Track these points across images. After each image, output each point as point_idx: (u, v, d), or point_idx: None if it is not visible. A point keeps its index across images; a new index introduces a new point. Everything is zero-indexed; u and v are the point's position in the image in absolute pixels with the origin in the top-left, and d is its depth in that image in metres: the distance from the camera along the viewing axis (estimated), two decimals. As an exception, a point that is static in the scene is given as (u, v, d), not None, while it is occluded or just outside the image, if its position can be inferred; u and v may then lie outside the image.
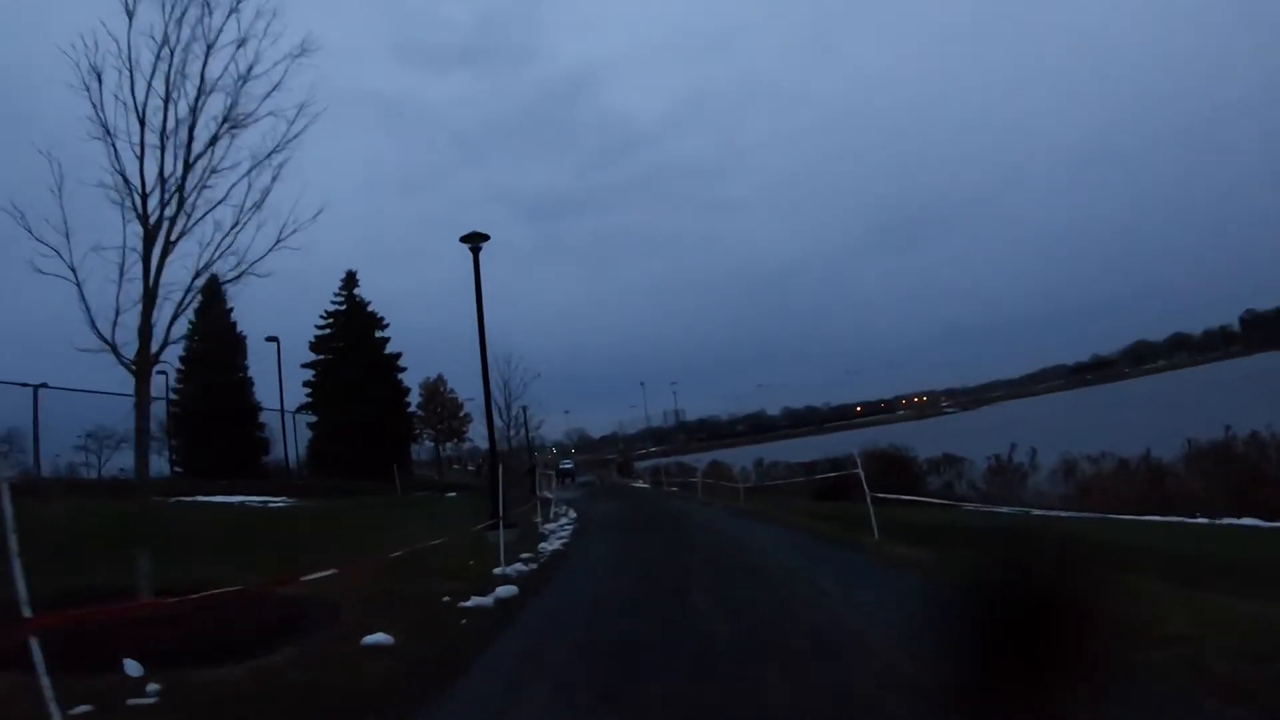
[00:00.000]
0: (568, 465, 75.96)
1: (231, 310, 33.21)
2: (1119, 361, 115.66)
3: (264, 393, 34.54)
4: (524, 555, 12.24)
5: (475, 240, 14.94)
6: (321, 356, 38.67)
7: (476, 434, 44.53)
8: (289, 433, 33.50)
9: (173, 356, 31.99)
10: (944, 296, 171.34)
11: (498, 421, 43.31)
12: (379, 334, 40.45)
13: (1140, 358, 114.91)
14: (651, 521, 19.86)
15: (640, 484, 55.46)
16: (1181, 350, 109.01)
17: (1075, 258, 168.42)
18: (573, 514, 23.40)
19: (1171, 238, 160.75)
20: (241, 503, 20.38)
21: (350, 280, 40.30)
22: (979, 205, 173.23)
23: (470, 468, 72.42)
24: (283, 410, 33.31)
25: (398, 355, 41.44)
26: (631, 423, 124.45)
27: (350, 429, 37.98)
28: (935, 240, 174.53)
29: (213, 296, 34.03)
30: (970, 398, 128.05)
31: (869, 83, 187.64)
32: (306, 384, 38.28)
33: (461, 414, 44.31)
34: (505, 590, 8.98)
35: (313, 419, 37.80)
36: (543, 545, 14.10)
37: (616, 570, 11.07)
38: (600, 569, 11.28)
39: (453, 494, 32.46)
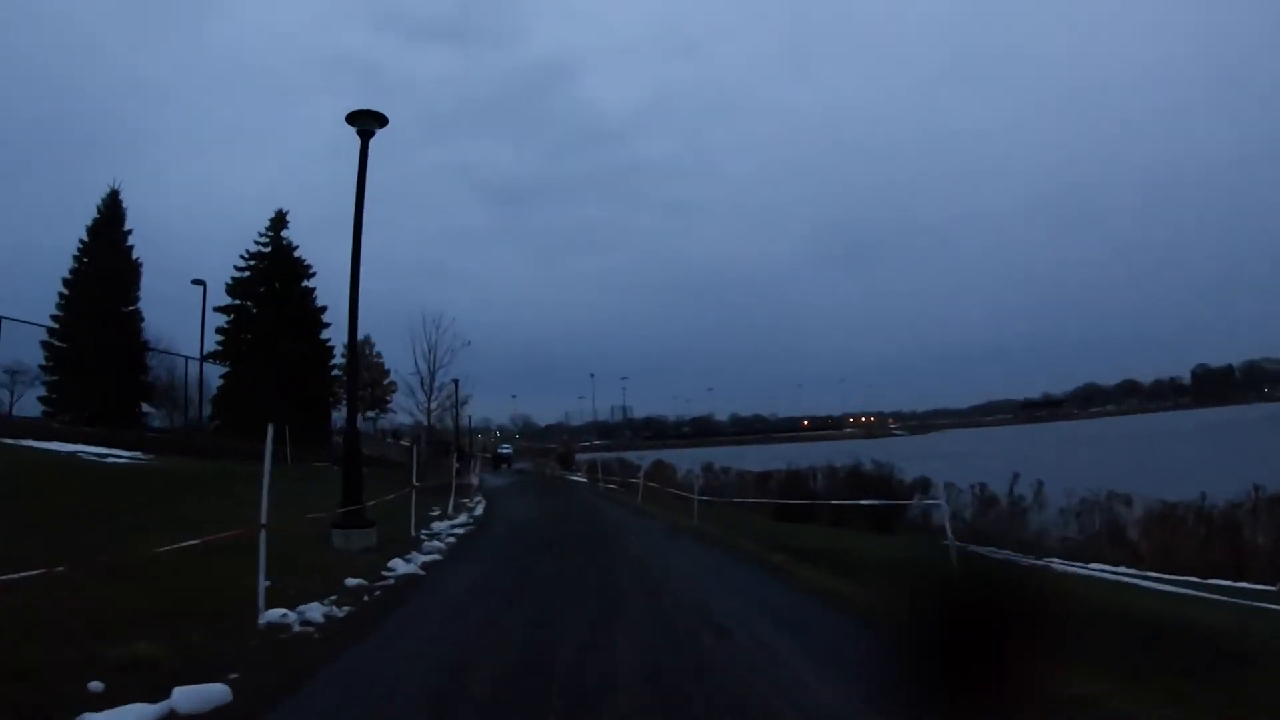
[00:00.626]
0: (506, 450, 73.22)
1: (130, 232, 28.60)
2: (1068, 402, 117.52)
3: (176, 338, 29.95)
4: (350, 582, 7.76)
5: (365, 122, 11.12)
6: (237, 302, 33.96)
7: (401, 406, 40.46)
8: (192, 383, 29.07)
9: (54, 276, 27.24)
10: (894, 322, 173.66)
11: (420, 397, 39.61)
12: (305, 284, 35.89)
13: (1089, 400, 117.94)
14: (572, 536, 14.51)
15: (577, 477, 51.91)
16: (1131, 397, 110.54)
17: (1029, 298, 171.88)
18: (481, 509, 19.49)
19: (1128, 288, 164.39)
20: (74, 453, 16.27)
21: (279, 220, 35.66)
22: (936, 236, 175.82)
23: (404, 442, 67.82)
24: (196, 357, 28.85)
25: (323, 309, 37.10)
26: (578, 414, 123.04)
27: (262, 384, 33.46)
28: (890, 265, 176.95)
29: (113, 215, 29.44)
30: (918, 422, 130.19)
31: (838, 103, 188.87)
32: (220, 331, 33.53)
33: (386, 382, 39.95)
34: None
35: (225, 370, 33.18)
36: (395, 563, 9.24)
37: (473, 642, 5.71)
38: (448, 636, 5.94)
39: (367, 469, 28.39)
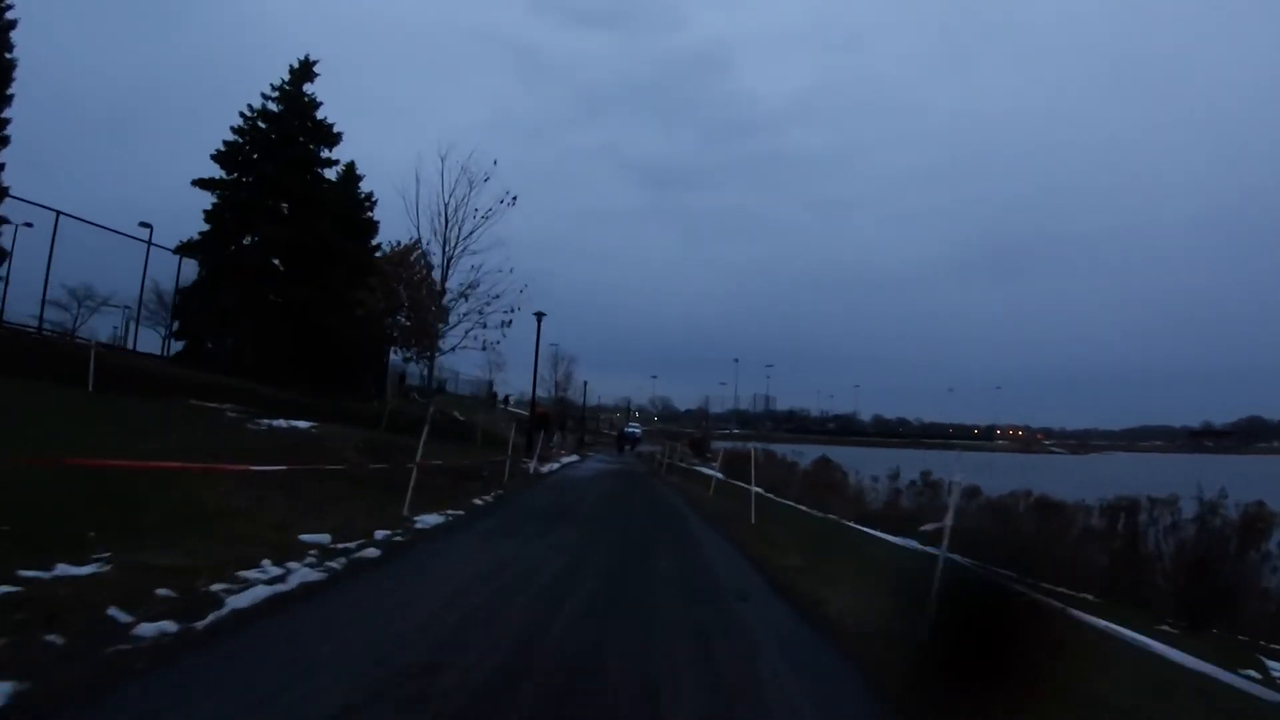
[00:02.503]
0: (633, 430, 63.65)
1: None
2: (1233, 434, 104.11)
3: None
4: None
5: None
6: (228, 176, 22.80)
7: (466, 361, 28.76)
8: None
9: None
10: (1041, 335, 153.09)
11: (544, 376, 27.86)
12: (326, 153, 24.37)
13: (1254, 434, 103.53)
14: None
15: (710, 470, 38.51)
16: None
17: (1187, 319, 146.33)
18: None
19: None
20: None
21: (303, 71, 24.19)
22: (1090, 249, 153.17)
23: (510, 406, 57.04)
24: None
25: (366, 199, 25.48)
26: (718, 400, 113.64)
27: (258, 298, 22.23)
28: (1040, 276, 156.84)
29: None
30: (1076, 441, 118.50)
31: (995, 106, 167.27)
32: (208, 216, 22.55)
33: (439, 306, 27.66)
34: None
35: (201, 275, 22.21)
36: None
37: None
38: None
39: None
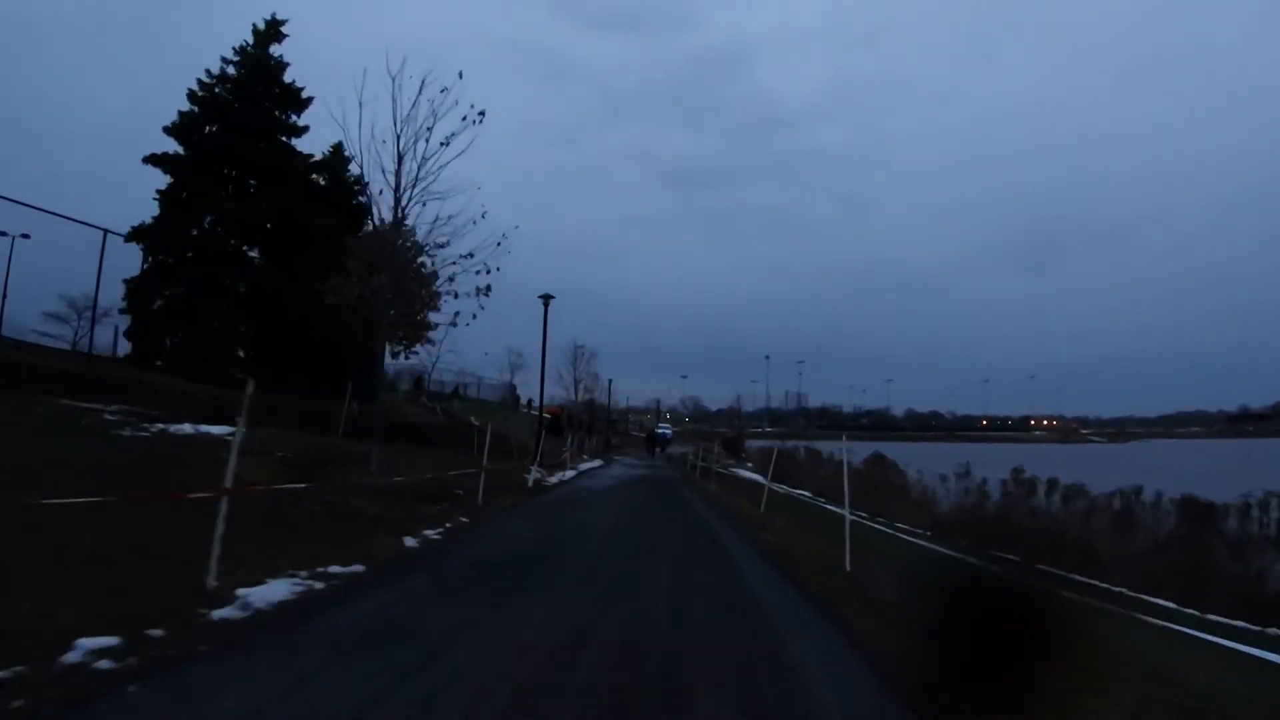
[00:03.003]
0: (664, 431, 59.61)
1: None
2: (1273, 416, 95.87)
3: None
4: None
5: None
6: (184, 150, 19.30)
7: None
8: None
9: None
10: (1074, 325, 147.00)
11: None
12: (295, 119, 20.86)
13: None
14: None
15: (747, 471, 34.50)
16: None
17: (1220, 305, 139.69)
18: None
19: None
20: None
21: (270, 33, 20.67)
22: (1121, 237, 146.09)
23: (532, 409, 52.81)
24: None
25: (356, 182, 21.99)
26: (750, 399, 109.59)
27: (218, 287, 18.82)
28: (1071, 266, 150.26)
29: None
30: (1114, 429, 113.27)
31: (1018, 96, 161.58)
32: (161, 196, 19.12)
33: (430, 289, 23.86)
34: None
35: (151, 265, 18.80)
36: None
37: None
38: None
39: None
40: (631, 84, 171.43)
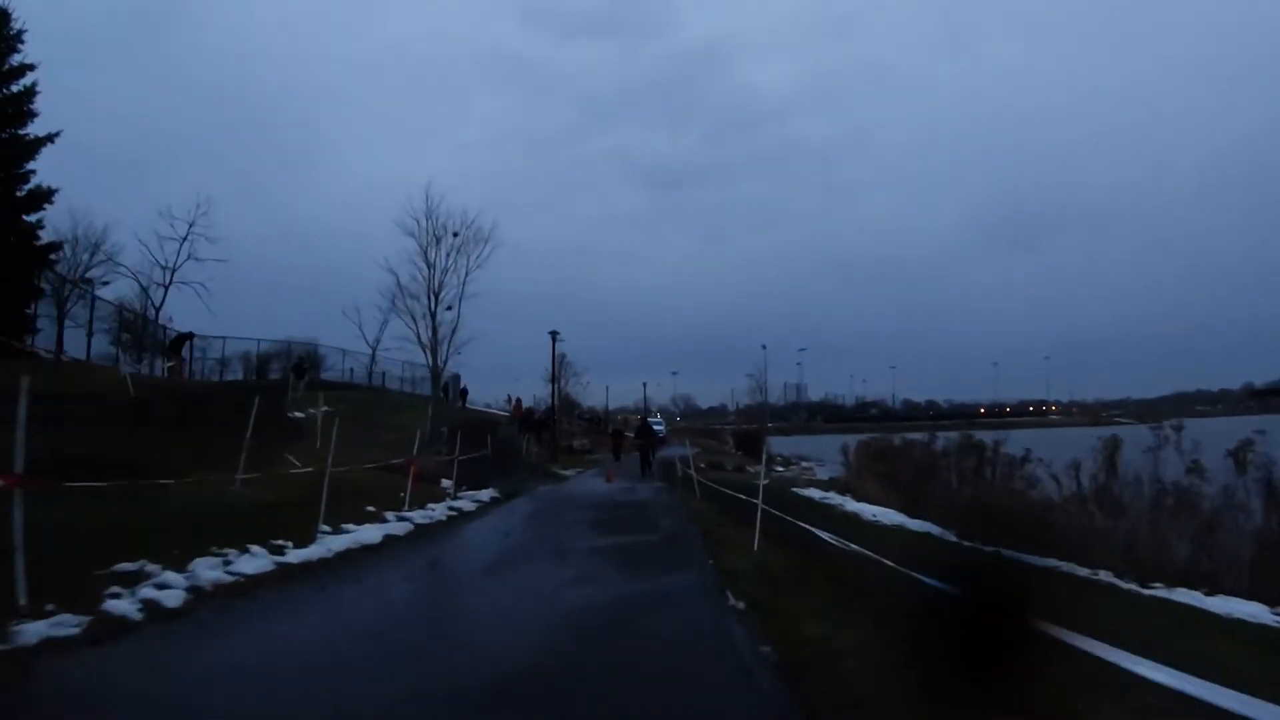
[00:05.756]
0: (658, 427, 43.90)
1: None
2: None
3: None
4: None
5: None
6: None
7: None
8: None
9: None
10: (1064, 306, 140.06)
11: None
12: None
13: None
14: None
15: (825, 496, 21.34)
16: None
17: (1218, 277, 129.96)
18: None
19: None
20: None
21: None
22: (1105, 213, 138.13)
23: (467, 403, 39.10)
24: None
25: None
26: (744, 393, 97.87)
27: None
28: (1058, 245, 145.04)
29: None
30: (1140, 410, 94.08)
31: (993, 75, 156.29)
32: None
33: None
34: None
35: None
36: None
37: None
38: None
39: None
40: (611, 89, 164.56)
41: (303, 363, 25.57)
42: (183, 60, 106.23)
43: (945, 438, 20.67)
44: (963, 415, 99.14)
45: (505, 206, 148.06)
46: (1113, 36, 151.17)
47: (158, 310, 26.84)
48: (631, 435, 35.34)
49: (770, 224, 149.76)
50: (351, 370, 35.13)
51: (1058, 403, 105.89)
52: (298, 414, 21.31)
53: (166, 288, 26.98)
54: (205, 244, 27.16)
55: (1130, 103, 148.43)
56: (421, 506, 11.14)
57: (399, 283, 22.78)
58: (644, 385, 70.47)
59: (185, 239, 26.97)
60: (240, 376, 27.96)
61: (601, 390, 65.61)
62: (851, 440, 31.83)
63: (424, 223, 22.16)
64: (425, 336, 21.69)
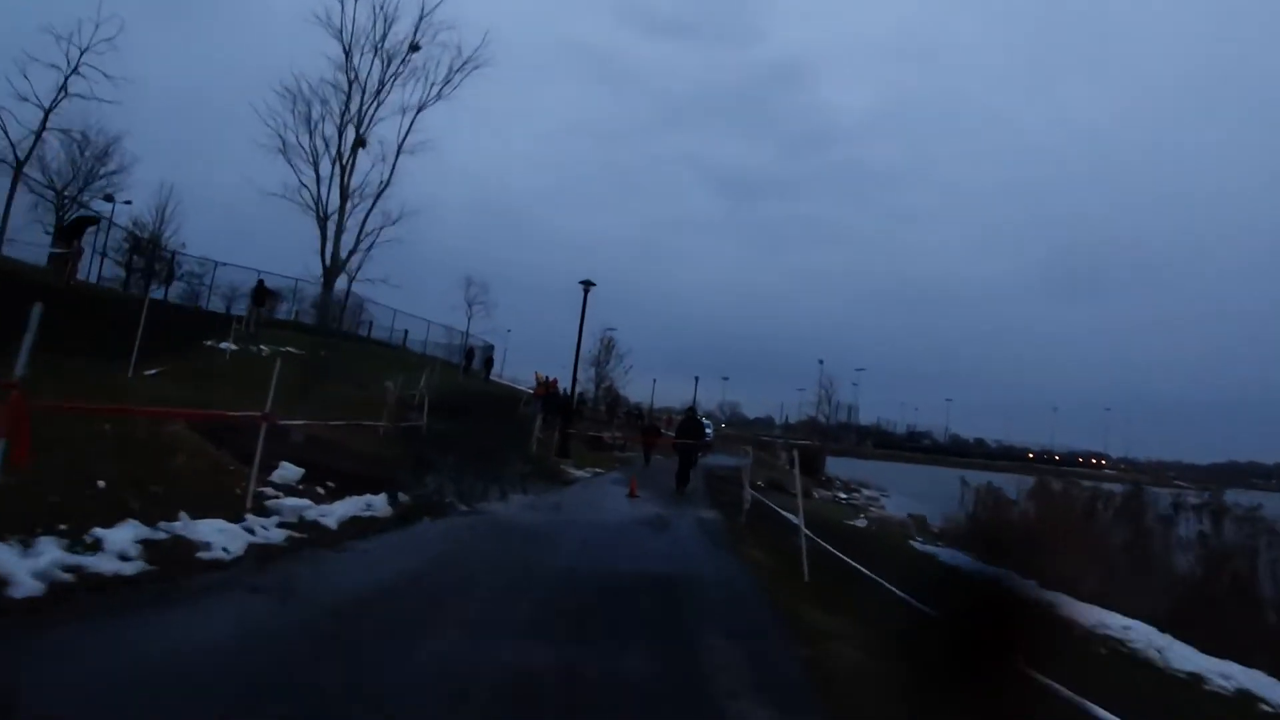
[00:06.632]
0: (705, 428, 35.87)
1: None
2: None
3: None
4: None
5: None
6: None
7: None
8: None
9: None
10: (1118, 359, 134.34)
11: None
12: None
13: None
14: None
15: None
16: None
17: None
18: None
19: None
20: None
21: None
22: (1172, 270, 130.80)
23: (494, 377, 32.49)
24: None
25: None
26: (793, 408, 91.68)
27: None
28: (1119, 299, 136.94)
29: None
30: (1197, 474, 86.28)
31: (1071, 122, 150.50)
32: None
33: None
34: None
35: None
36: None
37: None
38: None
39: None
40: (689, 91, 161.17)
41: (263, 286, 19.95)
42: None
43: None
44: (1011, 457, 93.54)
45: (568, 194, 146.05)
46: (1198, 102, 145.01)
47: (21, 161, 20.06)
48: (670, 434, 28.49)
49: (831, 241, 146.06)
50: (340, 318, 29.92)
51: (1107, 457, 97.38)
52: (228, 345, 15.70)
53: (38, 135, 20.29)
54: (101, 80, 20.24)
55: (1205, 169, 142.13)
56: (262, 513, 5.57)
57: (300, 98, 14.88)
58: (696, 380, 63.42)
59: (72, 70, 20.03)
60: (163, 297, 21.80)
61: (647, 384, 59.32)
62: (949, 474, 24.72)
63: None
64: (324, 199, 14.26)
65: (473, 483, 9.98)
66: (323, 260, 12.57)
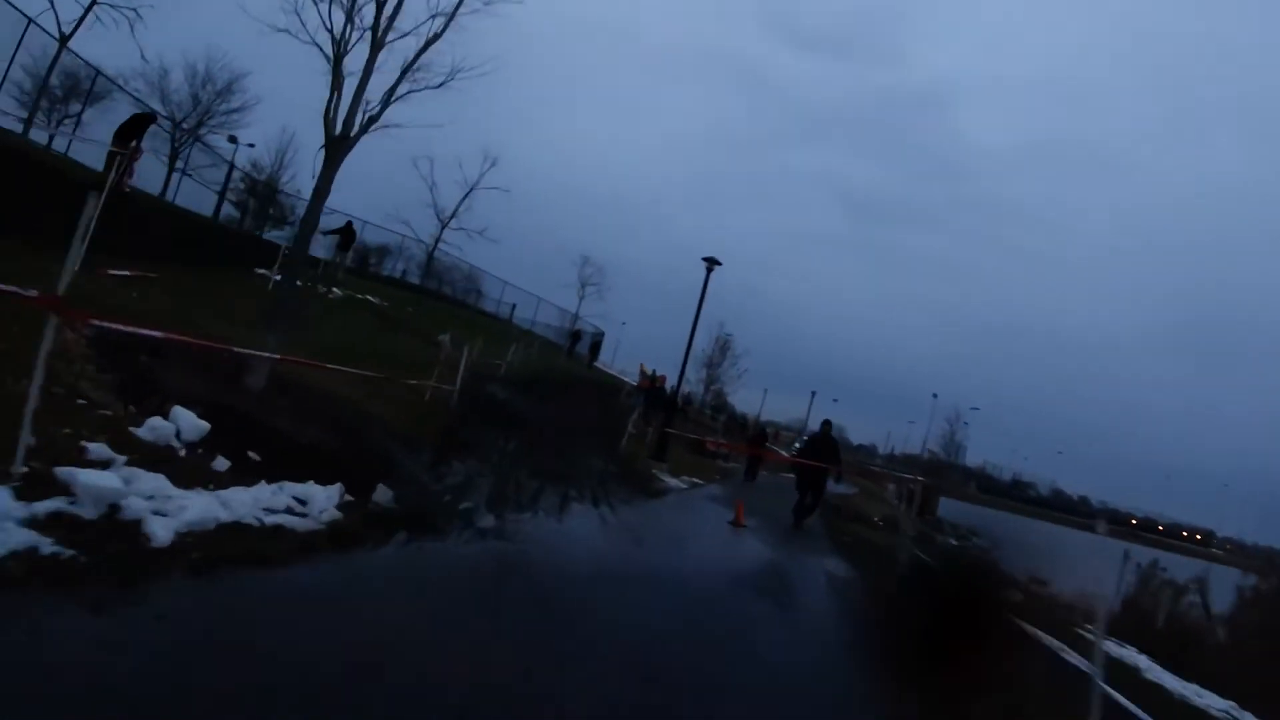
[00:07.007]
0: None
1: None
2: None
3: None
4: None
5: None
6: None
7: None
8: None
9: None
10: (1238, 435, 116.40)
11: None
12: None
13: None
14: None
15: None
16: None
17: None
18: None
19: None
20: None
21: None
22: None
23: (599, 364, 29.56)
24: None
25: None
26: (899, 439, 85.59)
27: None
28: (1247, 373, 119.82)
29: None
30: None
31: (1217, 185, 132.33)
32: None
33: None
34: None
35: None
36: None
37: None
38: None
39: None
40: (825, 106, 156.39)
41: (350, 228, 18.24)
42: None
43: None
44: (1117, 521, 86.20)
45: (692, 196, 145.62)
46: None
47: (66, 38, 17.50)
48: (785, 452, 24.95)
49: (952, 275, 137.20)
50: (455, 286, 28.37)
51: (1213, 534, 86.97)
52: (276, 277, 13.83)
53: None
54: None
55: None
56: (37, 485, 2.78)
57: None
58: (812, 395, 58.30)
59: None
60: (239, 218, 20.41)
61: (756, 394, 55.49)
62: (1059, 530, 18.65)
63: None
64: (345, 34, 9.38)
65: (524, 480, 7.18)
66: (325, 120, 9.05)
